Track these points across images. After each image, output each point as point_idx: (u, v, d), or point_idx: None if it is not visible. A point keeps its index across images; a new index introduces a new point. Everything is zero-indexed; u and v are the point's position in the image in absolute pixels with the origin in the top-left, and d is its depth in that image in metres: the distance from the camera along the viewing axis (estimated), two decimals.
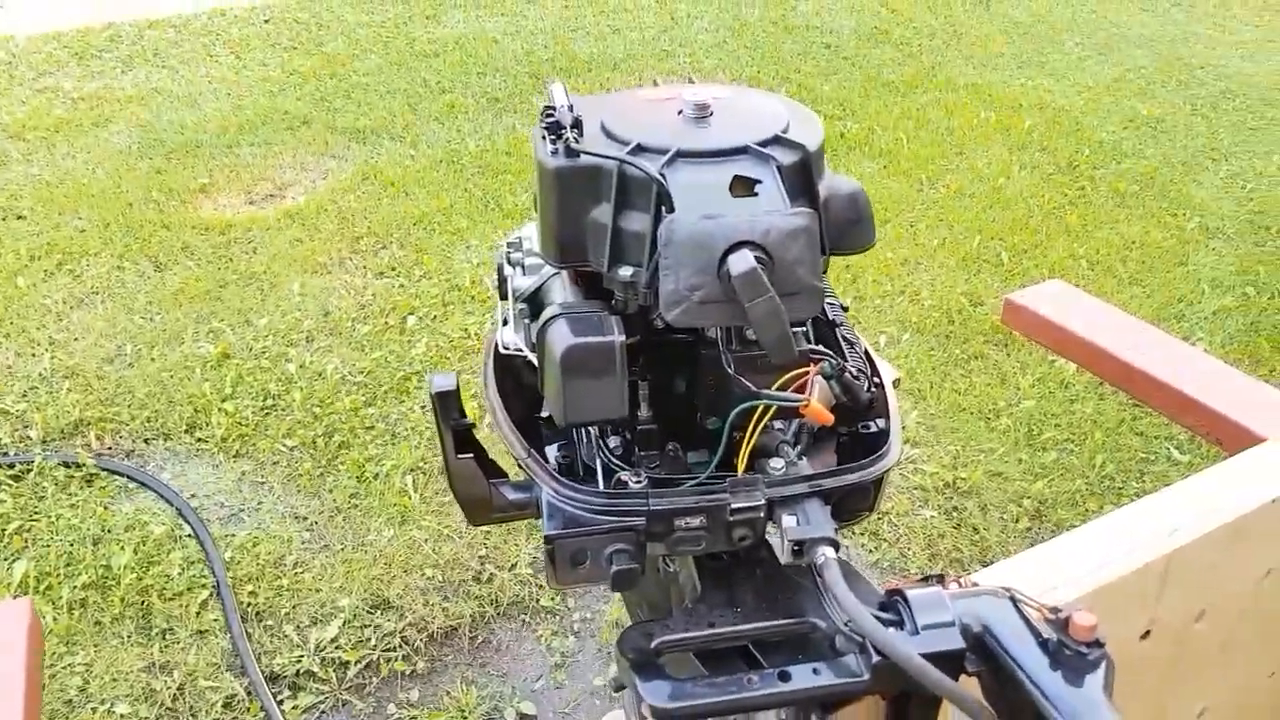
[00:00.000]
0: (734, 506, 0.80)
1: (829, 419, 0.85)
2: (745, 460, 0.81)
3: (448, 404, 0.85)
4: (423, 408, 2.71)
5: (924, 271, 3.31)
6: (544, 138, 0.81)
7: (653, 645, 0.79)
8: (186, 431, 2.63)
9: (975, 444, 2.65)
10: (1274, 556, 1.09)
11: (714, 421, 0.85)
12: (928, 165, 3.93)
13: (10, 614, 1.08)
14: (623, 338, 0.76)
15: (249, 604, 2.22)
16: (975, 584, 0.82)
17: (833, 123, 4.24)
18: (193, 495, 2.47)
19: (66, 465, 2.51)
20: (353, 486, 2.49)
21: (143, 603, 2.20)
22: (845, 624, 0.76)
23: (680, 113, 0.83)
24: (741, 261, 0.66)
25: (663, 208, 0.74)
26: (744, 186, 0.75)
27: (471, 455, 0.87)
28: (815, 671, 0.75)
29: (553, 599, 2.26)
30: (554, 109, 0.85)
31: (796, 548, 0.79)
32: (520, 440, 0.86)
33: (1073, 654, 0.71)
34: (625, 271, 0.77)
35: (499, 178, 3.76)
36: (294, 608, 2.22)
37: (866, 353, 0.97)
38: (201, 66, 4.65)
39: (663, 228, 0.70)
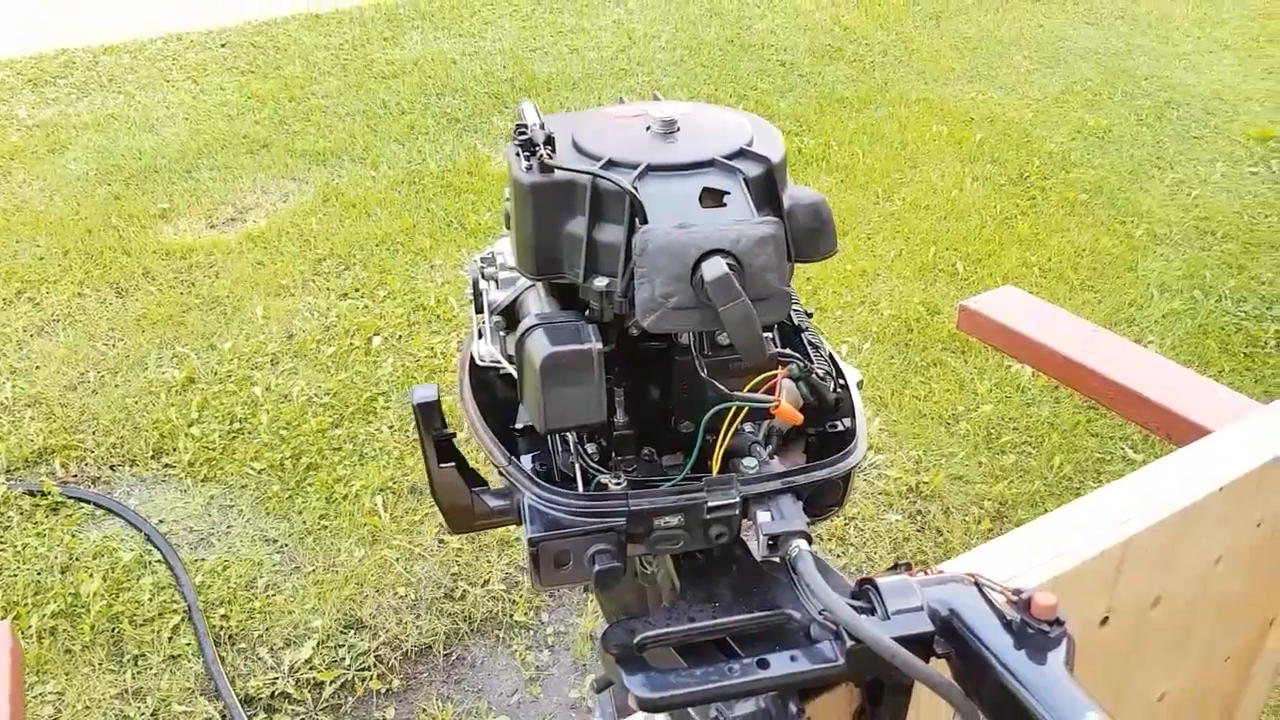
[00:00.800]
0: (710, 504, 0.84)
1: (798, 419, 0.89)
2: (719, 460, 0.85)
3: (430, 414, 0.87)
4: (390, 428, 2.72)
5: (882, 282, 3.38)
6: (518, 155, 0.84)
7: (635, 641, 0.82)
8: (153, 457, 2.61)
9: (937, 449, 2.71)
10: (1223, 544, 1.15)
11: (687, 425, 0.89)
12: (883, 179, 4.02)
13: None
14: (600, 345, 0.79)
15: (221, 627, 2.20)
16: (941, 572, 0.87)
17: (790, 138, 4.32)
18: (161, 521, 2.45)
19: (32, 494, 2.48)
20: (322, 508, 2.48)
21: (114, 629, 2.18)
22: (820, 612, 0.80)
23: (648, 129, 0.87)
24: (714, 268, 0.70)
25: (636, 219, 0.78)
26: (713, 198, 0.79)
27: (453, 464, 0.90)
28: (793, 659, 0.78)
29: (526, 614, 2.28)
30: (526, 127, 0.88)
31: (771, 542, 0.82)
32: (501, 448, 0.89)
33: (1035, 633, 0.75)
34: (600, 282, 0.80)
35: (461, 197, 3.78)
36: (267, 630, 2.21)
37: (831, 356, 1.02)
38: (158, 91, 4.63)
39: (637, 238, 0.73)
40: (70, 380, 2.85)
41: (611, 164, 0.81)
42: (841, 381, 0.96)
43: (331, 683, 2.11)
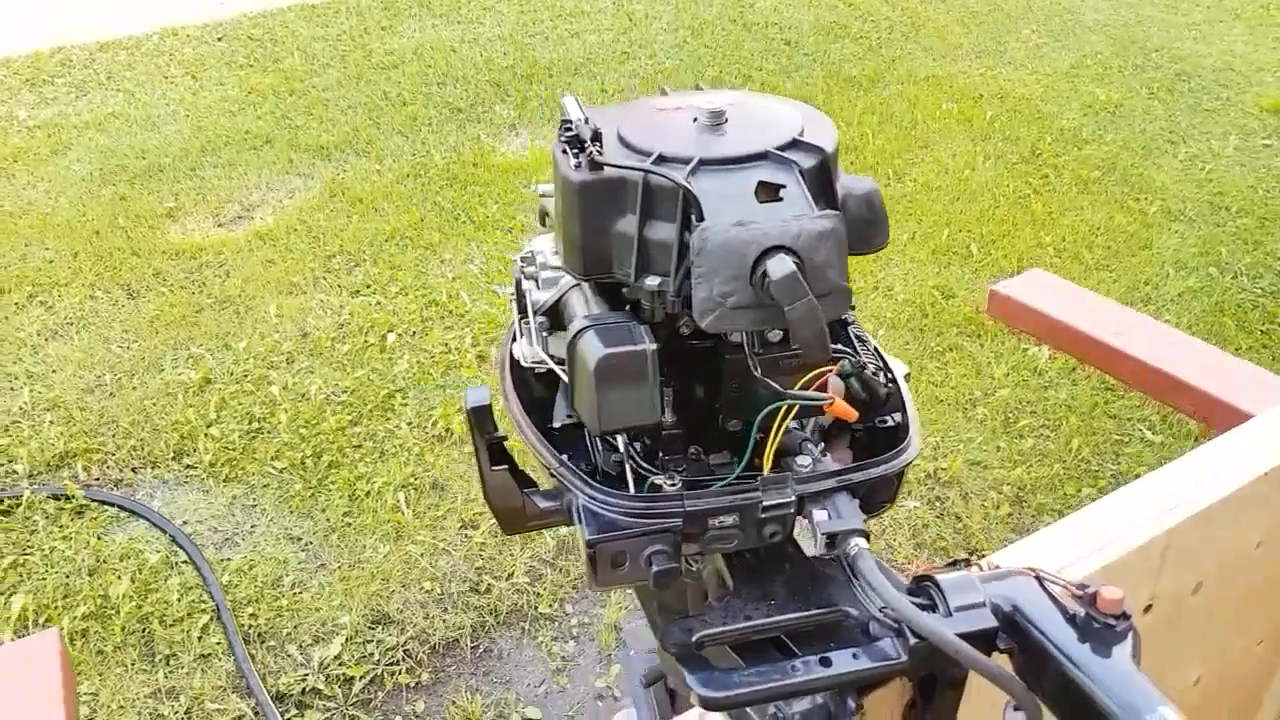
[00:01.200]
0: (765, 504, 0.84)
1: (853, 415, 0.89)
2: (771, 458, 0.85)
3: (483, 418, 0.87)
4: (409, 424, 2.72)
5: (895, 266, 3.38)
6: (565, 152, 0.83)
7: (694, 640, 0.83)
8: (174, 458, 2.62)
9: (954, 434, 2.72)
10: (1264, 529, 1.15)
11: (735, 424, 0.89)
12: (894, 159, 4.01)
13: (44, 647, 1.09)
14: (653, 346, 0.78)
15: (250, 626, 2.22)
16: (997, 566, 0.87)
17: None
18: (185, 522, 2.46)
19: (56, 498, 2.49)
20: (345, 505, 2.49)
21: (144, 630, 2.20)
22: (881, 610, 0.80)
23: (695, 120, 0.85)
24: (780, 266, 0.69)
25: (690, 216, 0.77)
26: (769, 192, 0.78)
27: (506, 468, 0.90)
28: (855, 656, 0.79)
29: (550, 606, 2.29)
30: (572, 123, 0.87)
31: (829, 540, 0.82)
32: (552, 450, 0.89)
33: (1101, 626, 0.75)
34: (653, 281, 0.79)
35: (467, 189, 3.77)
36: (295, 627, 2.22)
37: (876, 349, 1.01)
38: (157, 88, 4.60)
39: (695, 236, 0.73)
40: (87, 383, 2.85)
41: (662, 159, 0.79)
42: (890, 375, 0.96)
43: (361, 678, 2.13)
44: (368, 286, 3.28)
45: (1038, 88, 4.57)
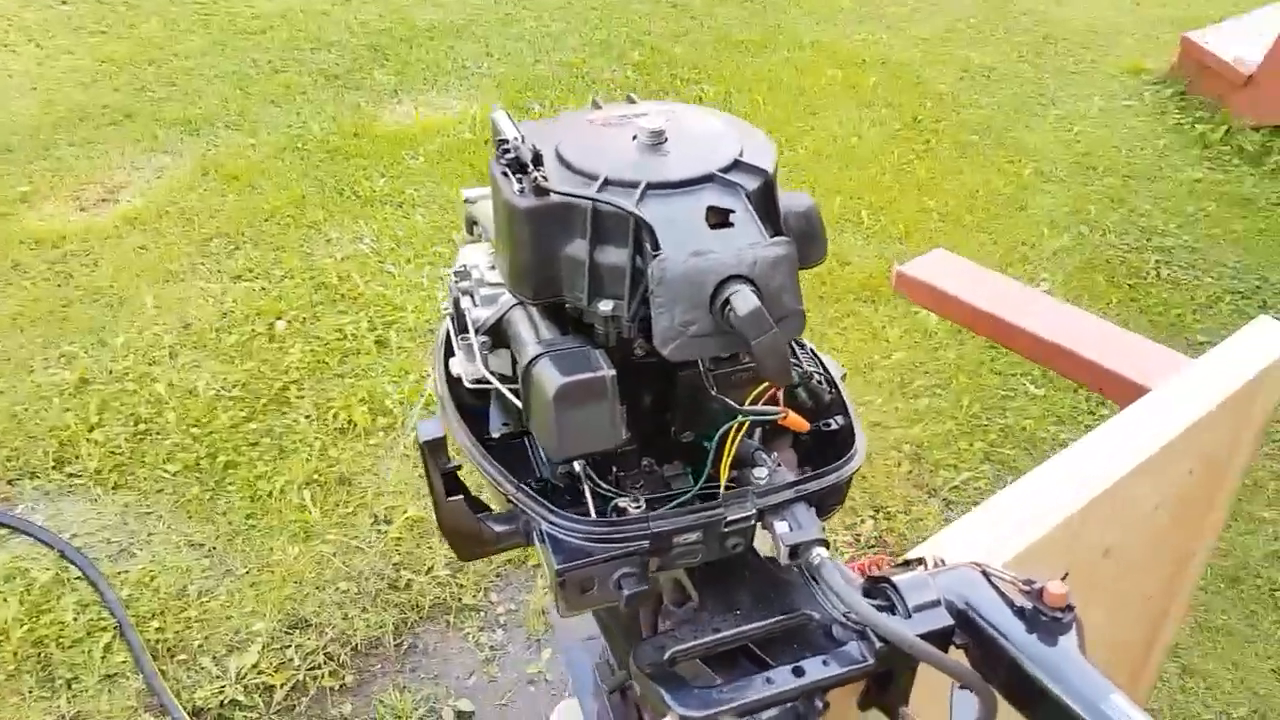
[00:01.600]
0: (729, 519, 0.85)
1: (805, 426, 0.91)
2: (727, 471, 0.86)
3: (437, 452, 0.85)
4: (307, 418, 2.63)
5: None
6: (506, 175, 0.81)
7: (666, 657, 0.84)
8: (54, 467, 2.45)
9: (855, 397, 2.79)
10: (1162, 493, 1.24)
11: (688, 435, 0.90)
12: (785, 127, 4.06)
13: None
14: (612, 371, 0.77)
15: (157, 640, 2.12)
16: (942, 561, 0.91)
17: (690, 86, 4.31)
18: (74, 535, 2.31)
19: None
20: (247, 507, 2.40)
21: (40, 654, 2.07)
22: (845, 615, 0.83)
23: (635, 139, 0.84)
24: (745, 301, 0.70)
25: (643, 243, 0.76)
26: (718, 216, 0.79)
27: (461, 497, 0.88)
28: (825, 663, 0.82)
29: (475, 596, 2.27)
30: (509, 143, 0.85)
31: (792, 551, 0.85)
32: (508, 476, 0.88)
33: (1048, 619, 0.80)
34: (606, 306, 0.78)
35: (350, 162, 3.63)
36: (206, 638, 2.14)
37: (813, 352, 1.04)
38: None
39: (653, 267, 0.72)
40: None
41: (607, 183, 0.79)
42: (830, 378, 0.98)
43: (283, 685, 2.07)
44: (250, 271, 3.12)
45: (916, 53, 4.69)
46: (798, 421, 0.90)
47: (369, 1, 4.88)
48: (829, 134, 4.04)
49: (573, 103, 4.06)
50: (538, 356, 0.80)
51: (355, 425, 2.61)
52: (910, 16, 5.07)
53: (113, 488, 2.42)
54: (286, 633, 2.16)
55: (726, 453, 0.87)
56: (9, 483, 2.42)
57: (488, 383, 0.95)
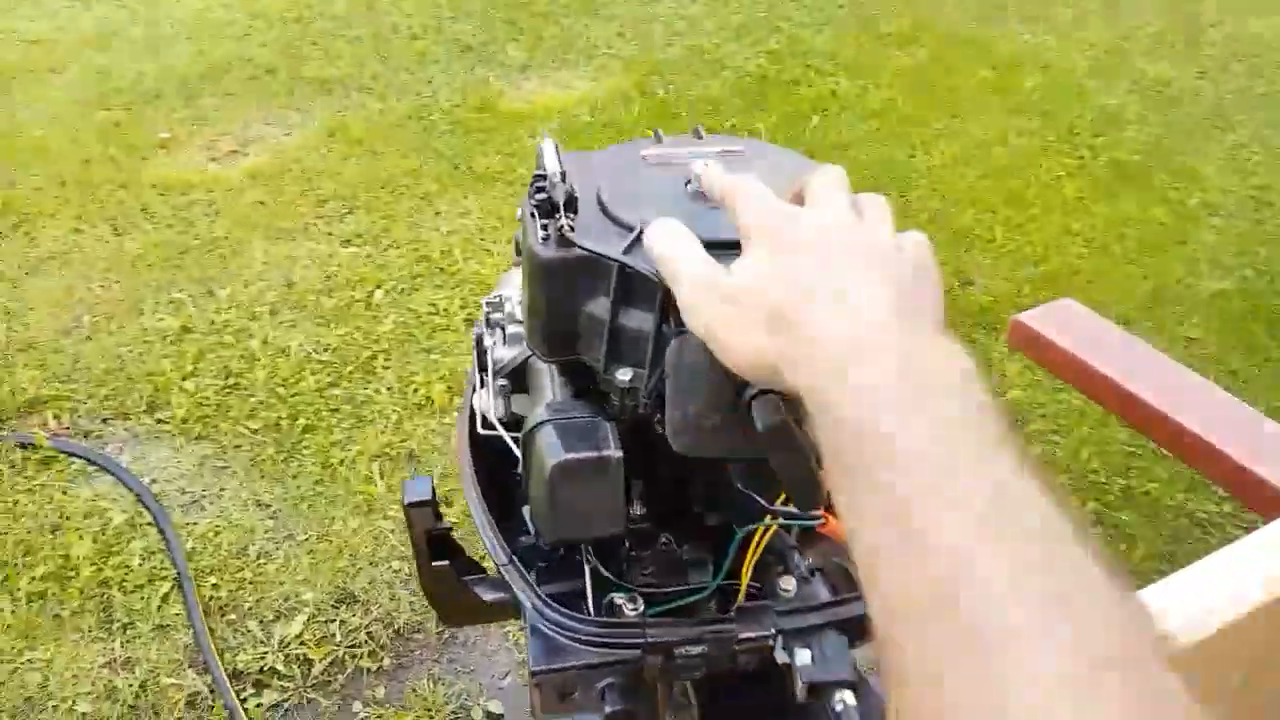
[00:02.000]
0: (741, 636, 0.74)
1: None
2: (748, 577, 0.75)
3: (423, 515, 0.77)
4: (389, 389, 2.64)
5: None
6: (534, 216, 0.72)
7: None
8: (146, 411, 2.55)
9: None
10: None
11: (712, 517, 0.79)
12: (922, 128, 3.81)
13: None
14: (619, 453, 0.68)
15: (211, 597, 2.17)
16: None
17: (825, 79, 4.10)
18: (153, 480, 2.40)
19: (24, 446, 2.43)
20: (318, 473, 2.42)
21: (103, 595, 2.15)
22: None
23: (688, 185, 0.72)
24: (767, 412, 0.58)
25: (669, 311, 0.66)
26: None
27: (448, 562, 0.80)
28: None
29: None
30: (545, 179, 0.76)
31: (810, 689, 0.72)
32: (504, 547, 0.79)
33: None
34: (624, 375, 0.67)
35: (470, 136, 3.62)
36: (257, 602, 2.17)
37: None
38: (160, 5, 4.43)
39: (671, 349, 0.61)
40: (64, 325, 2.78)
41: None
42: None
43: (322, 659, 2.08)
44: (359, 236, 3.16)
45: (1082, 60, 4.32)
46: (839, 530, 0.78)
47: None
48: (971, 139, 3.77)
49: (696, 90, 3.93)
50: (543, 423, 0.70)
51: (432, 402, 2.60)
52: (1082, 20, 4.66)
53: (195, 438, 2.50)
54: (334, 606, 2.17)
55: (748, 559, 0.76)
56: (103, 421, 2.53)
57: (496, 430, 0.88)
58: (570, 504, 0.67)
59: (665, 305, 0.64)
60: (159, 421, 2.54)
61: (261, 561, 2.25)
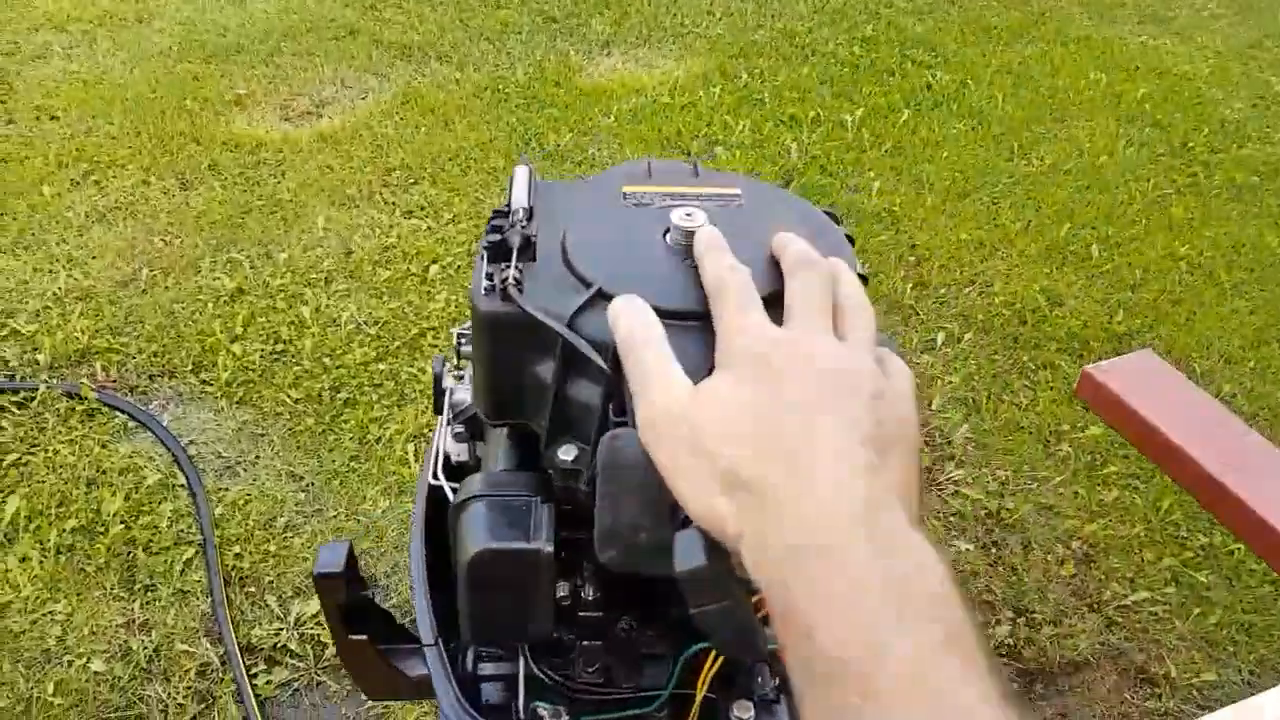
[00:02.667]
0: None
1: None
2: (700, 699, 0.63)
3: (333, 587, 0.68)
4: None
5: (1000, 259, 3.02)
6: (484, 257, 0.62)
7: None
8: (192, 371, 2.52)
9: (1029, 470, 2.41)
10: None
11: (673, 610, 0.68)
12: (1022, 131, 3.57)
13: None
14: (550, 547, 0.58)
15: (234, 566, 2.13)
16: None
17: (922, 70, 3.88)
18: (191, 441, 2.37)
19: (70, 396, 2.43)
20: (354, 449, 2.37)
21: (128, 554, 2.13)
22: None
23: (666, 234, 0.62)
24: (690, 551, 0.46)
25: (612, 398, 0.55)
26: None
27: (365, 637, 0.71)
28: None
29: None
30: (504, 216, 0.65)
31: None
32: (433, 624, 0.70)
33: None
34: (567, 454, 0.58)
35: (543, 113, 3.52)
36: (279, 576, 2.12)
37: None
38: None
39: (603, 446, 0.51)
40: (123, 276, 2.78)
41: (601, 296, 0.58)
42: None
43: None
44: (421, 209, 3.09)
45: (1204, 67, 4.00)
46: None
47: None
48: (1074, 146, 3.51)
49: (782, 76, 3.75)
50: (472, 498, 0.61)
51: None
52: (1207, 24, 4.33)
53: (237, 402, 2.46)
54: None
55: (701, 680, 0.65)
56: (150, 378, 2.52)
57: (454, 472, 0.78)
58: (488, 602, 0.58)
59: (610, 388, 0.55)
60: (204, 382, 2.51)
61: (288, 535, 2.20)
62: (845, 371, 0.48)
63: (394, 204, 3.10)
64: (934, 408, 2.56)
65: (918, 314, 2.82)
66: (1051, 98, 3.78)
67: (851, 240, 0.74)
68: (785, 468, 0.43)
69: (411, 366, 2.57)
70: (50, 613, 2.03)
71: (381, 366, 2.56)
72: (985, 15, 4.29)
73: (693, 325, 0.55)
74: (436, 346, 2.63)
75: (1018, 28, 4.21)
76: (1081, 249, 3.09)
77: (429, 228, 3.00)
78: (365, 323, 2.67)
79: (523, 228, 0.62)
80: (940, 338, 2.73)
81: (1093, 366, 1.30)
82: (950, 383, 2.64)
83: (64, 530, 2.15)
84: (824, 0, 4.33)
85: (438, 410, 0.80)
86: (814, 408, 0.45)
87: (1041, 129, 3.61)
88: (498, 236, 0.62)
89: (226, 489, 2.28)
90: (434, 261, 2.87)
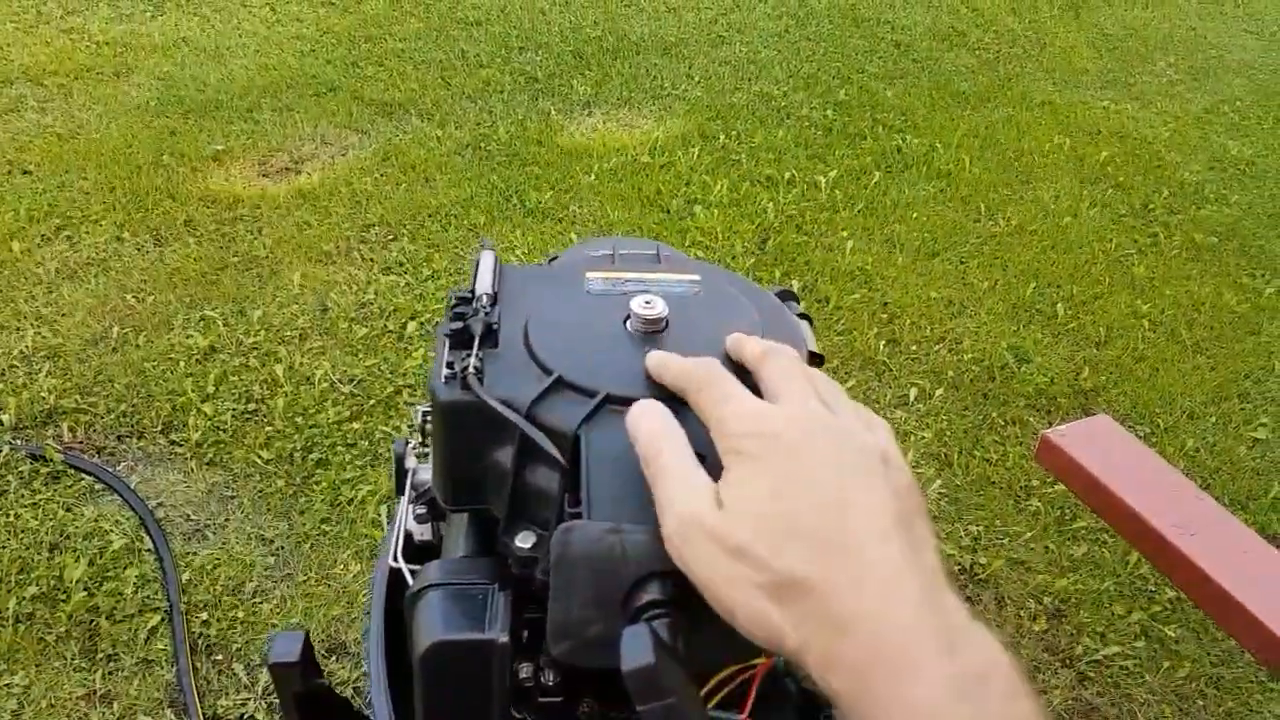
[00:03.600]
0: None
1: None
2: None
3: (288, 679, 0.67)
4: (410, 427, 2.54)
5: (969, 317, 3.06)
6: (446, 342, 0.63)
7: None
8: (161, 432, 2.49)
9: (1000, 525, 2.43)
10: None
11: None
12: (989, 193, 3.65)
13: None
14: (506, 638, 0.58)
15: (200, 634, 2.08)
16: None
17: (893, 134, 3.97)
18: (159, 504, 2.33)
19: (34, 458, 2.39)
20: (325, 511, 2.34)
21: (91, 622, 2.08)
22: None
23: (627, 321, 0.64)
24: (636, 650, 0.46)
25: (566, 490, 0.56)
26: None
27: None
28: None
29: None
30: (469, 301, 0.66)
31: None
32: (390, 716, 0.69)
33: None
34: (525, 542, 0.59)
35: (525, 170, 3.56)
36: (247, 643, 2.08)
37: None
38: (234, 17, 4.47)
39: (555, 537, 0.51)
40: (93, 334, 2.75)
41: (561, 384, 0.59)
42: None
43: None
44: (400, 265, 3.10)
45: (1163, 130, 4.12)
46: None
47: (588, 6, 4.82)
48: (1040, 207, 3.59)
49: (759, 138, 3.82)
50: (428, 587, 0.61)
51: None
52: (1166, 90, 4.46)
53: (207, 463, 2.43)
54: (323, 656, 2.07)
55: None
56: (119, 438, 2.48)
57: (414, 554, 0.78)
58: (444, 693, 0.57)
59: (566, 479, 0.55)
60: (173, 443, 2.48)
61: (257, 600, 2.16)
62: (858, 446, 0.48)
63: (372, 260, 3.10)
64: (908, 463, 2.57)
65: (890, 370, 2.85)
66: (1017, 160, 3.87)
67: (809, 319, 0.76)
68: (833, 567, 0.43)
69: (386, 425, 2.55)
70: (7, 685, 1.97)
71: (355, 425, 2.54)
72: (954, 81, 4.40)
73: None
74: (411, 404, 2.62)
75: (985, 93, 4.32)
76: (1047, 307, 3.14)
77: (408, 284, 3.01)
78: (340, 380, 2.66)
79: (485, 314, 0.64)
80: (913, 394, 2.76)
81: (1051, 431, 1.33)
82: (923, 438, 2.66)
83: (23, 598, 2.10)
84: (799, 65, 4.42)
85: (399, 491, 0.80)
86: (843, 495, 0.45)
87: (1008, 191, 3.69)
88: (460, 324, 0.63)
89: (195, 553, 2.24)
90: (412, 318, 2.87)
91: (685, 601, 0.50)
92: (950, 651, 0.41)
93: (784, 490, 0.45)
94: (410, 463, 0.79)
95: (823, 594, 0.42)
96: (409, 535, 0.79)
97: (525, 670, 0.62)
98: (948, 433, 2.67)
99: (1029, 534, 2.43)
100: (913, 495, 0.49)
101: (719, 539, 0.45)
